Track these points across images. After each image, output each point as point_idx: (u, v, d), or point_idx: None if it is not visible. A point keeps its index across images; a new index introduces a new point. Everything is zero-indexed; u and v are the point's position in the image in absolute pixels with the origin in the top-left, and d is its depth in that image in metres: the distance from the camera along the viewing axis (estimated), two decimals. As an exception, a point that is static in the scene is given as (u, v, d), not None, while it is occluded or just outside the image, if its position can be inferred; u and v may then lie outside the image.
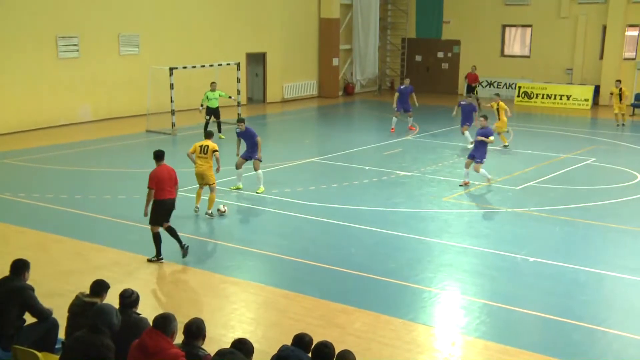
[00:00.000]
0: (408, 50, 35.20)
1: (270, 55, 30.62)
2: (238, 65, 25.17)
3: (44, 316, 7.32)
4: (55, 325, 7.37)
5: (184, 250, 11.52)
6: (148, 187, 11.34)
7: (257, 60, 30.57)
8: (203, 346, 6.22)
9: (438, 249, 12.28)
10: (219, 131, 22.13)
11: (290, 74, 31.40)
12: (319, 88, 32.94)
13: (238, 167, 15.74)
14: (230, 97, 22.59)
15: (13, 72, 22.00)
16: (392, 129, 23.33)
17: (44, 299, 7.54)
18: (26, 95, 22.31)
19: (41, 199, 15.12)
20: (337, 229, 13.33)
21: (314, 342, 6.13)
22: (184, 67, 23.41)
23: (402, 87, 23.74)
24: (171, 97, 22.64)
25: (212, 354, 5.99)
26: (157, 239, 11.42)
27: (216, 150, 14.02)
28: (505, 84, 32.65)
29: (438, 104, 30.78)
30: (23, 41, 22.21)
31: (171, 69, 22.66)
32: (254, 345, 6.15)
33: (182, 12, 26.87)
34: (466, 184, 16.39)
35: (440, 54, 34.49)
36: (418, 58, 35.16)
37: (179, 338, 6.18)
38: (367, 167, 18.29)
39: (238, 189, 15.75)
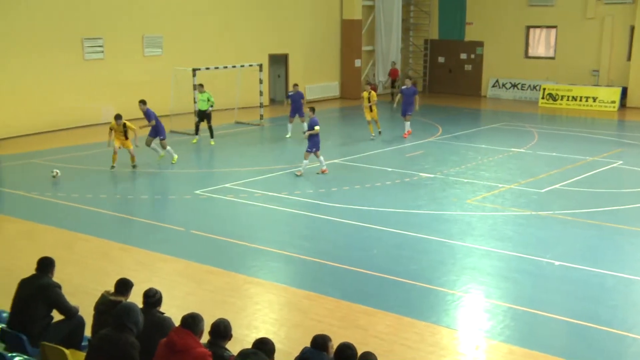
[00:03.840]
0: (431, 52, 35.07)
1: (292, 57, 30.68)
2: (260, 66, 25.25)
3: (71, 314, 7.39)
4: (81, 323, 7.43)
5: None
6: None
7: (279, 62, 30.64)
8: (227, 346, 6.24)
9: (461, 251, 12.20)
10: (211, 136, 21.43)
11: (312, 75, 31.43)
12: (340, 89, 32.94)
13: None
14: (211, 106, 21.40)
15: (40, 74, 22.25)
16: (406, 133, 22.69)
17: (70, 297, 7.61)
18: (52, 96, 22.53)
19: (67, 198, 15.28)
20: (359, 230, 13.31)
21: (337, 345, 6.11)
22: (207, 68, 23.52)
23: (404, 87, 23.07)
24: (194, 98, 22.75)
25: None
26: None
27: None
28: (529, 85, 32.39)
29: (461, 105, 30.65)
30: (50, 43, 22.46)
31: (194, 70, 22.79)
32: (277, 345, 6.16)
33: (205, 13, 27.01)
34: (323, 172, 17.45)
35: (463, 56, 34.30)
36: (441, 59, 35.00)
37: (204, 338, 6.20)
38: (389, 169, 18.25)
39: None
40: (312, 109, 17.93)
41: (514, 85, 32.81)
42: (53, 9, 22.47)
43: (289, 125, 22.77)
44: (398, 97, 23.30)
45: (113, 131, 17.58)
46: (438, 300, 10.17)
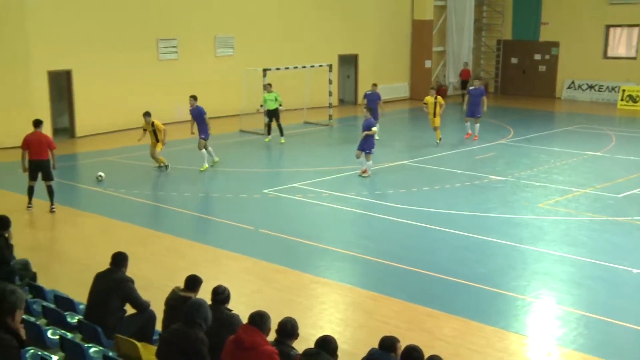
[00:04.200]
0: (503, 53, 34.40)
1: (362, 57, 30.65)
2: (330, 67, 25.33)
3: (143, 308, 7.57)
4: (153, 317, 7.61)
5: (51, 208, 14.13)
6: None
7: (348, 62, 30.66)
8: (293, 345, 6.29)
9: (532, 256, 11.93)
10: (281, 134, 21.71)
11: (381, 76, 31.22)
12: (410, 90, 32.69)
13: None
14: (280, 105, 21.64)
15: (116, 74, 22.93)
16: (469, 134, 22.32)
17: (142, 292, 7.80)
18: (129, 95, 23.17)
19: (140, 195, 15.72)
20: (426, 232, 13.18)
21: (403, 346, 6.07)
22: (277, 69, 23.75)
23: (472, 88, 22.60)
24: (264, 98, 23.03)
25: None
26: (29, 192, 14.23)
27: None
28: (607, 87, 31.35)
29: (534, 107, 29.96)
30: (126, 44, 23.13)
31: (264, 70, 23.06)
32: (342, 346, 6.17)
33: (276, 14, 27.28)
34: (364, 172, 17.03)
35: (537, 56, 33.46)
36: (514, 60, 34.27)
37: (270, 336, 6.27)
38: (458, 171, 18.00)
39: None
40: (369, 109, 17.68)
41: (591, 87, 31.82)
42: (130, 10, 23.12)
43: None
44: (466, 98, 22.77)
45: (146, 132, 17.61)
46: (507, 305, 9.97)
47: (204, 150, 17.81)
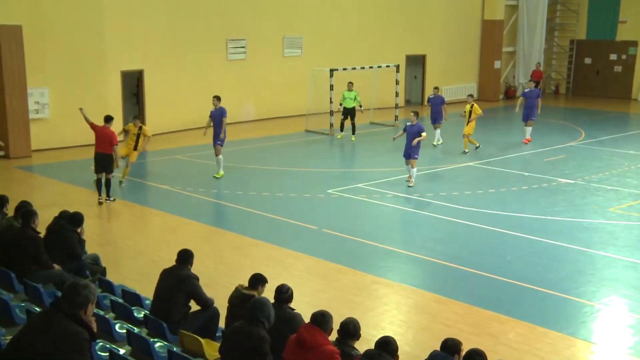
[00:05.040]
0: (577, 53, 33.46)
1: (429, 58, 30.36)
2: (397, 67, 25.20)
3: (207, 305, 7.69)
4: (216, 314, 7.72)
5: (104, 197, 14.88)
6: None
7: (416, 63, 30.42)
8: (355, 345, 6.29)
9: (602, 261, 11.58)
10: (353, 133, 22.14)
11: (449, 76, 30.92)
12: (479, 91, 32.18)
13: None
14: (360, 106, 21.95)
15: (186, 73, 23.41)
16: (528, 139, 21.34)
17: (207, 289, 7.93)
18: (197, 94, 23.59)
19: (205, 193, 16.00)
20: (492, 235, 12.96)
21: (466, 350, 6.00)
22: (344, 69, 23.78)
23: (527, 90, 21.62)
24: (330, 98, 23.12)
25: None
26: (98, 185, 15.05)
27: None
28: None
29: (608, 109, 29.03)
30: (197, 44, 23.59)
31: (331, 71, 23.12)
32: (404, 348, 6.14)
33: (343, 14, 27.31)
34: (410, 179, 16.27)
35: (613, 56, 32.37)
36: (587, 60, 33.27)
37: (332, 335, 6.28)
38: (526, 174, 17.63)
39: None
40: (416, 113, 16.38)
41: (671, 88, 30.60)
42: (200, 11, 23.55)
43: (436, 132, 21.16)
44: (520, 100, 21.75)
45: (128, 135, 16.81)
46: (575, 311, 9.71)
47: (220, 156, 17.07)
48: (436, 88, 21.73)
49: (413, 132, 16.02)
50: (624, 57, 32.07)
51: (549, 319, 9.39)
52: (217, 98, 16.98)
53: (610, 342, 8.82)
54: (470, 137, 20.00)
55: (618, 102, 30.73)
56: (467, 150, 19.96)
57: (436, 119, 21.17)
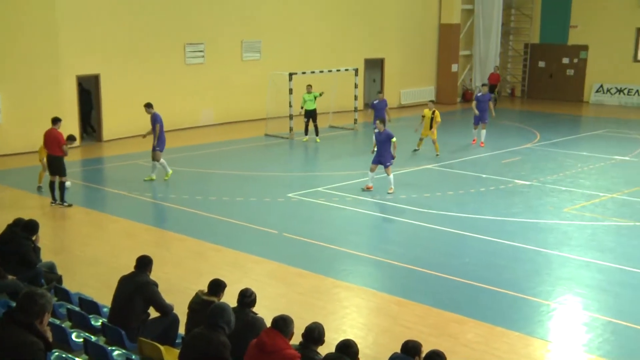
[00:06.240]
0: (531, 56, 34.11)
1: (388, 61, 30.61)
2: (356, 70, 25.34)
3: (167, 311, 7.62)
4: (176, 320, 7.66)
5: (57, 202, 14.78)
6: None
7: (374, 66, 30.63)
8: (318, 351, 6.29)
9: (557, 261, 11.81)
10: (316, 134, 22.54)
11: (407, 79, 31.24)
12: (437, 94, 32.55)
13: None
14: (321, 94, 22.56)
15: (144, 77, 23.15)
16: (475, 140, 21.95)
17: (166, 295, 7.86)
18: (156, 99, 23.26)
19: (165, 198, 15.86)
20: (451, 237, 13.12)
21: (426, 351, 6.06)
22: (303, 73, 23.81)
23: (480, 94, 21.94)
24: (290, 102, 23.12)
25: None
26: (51, 187, 14.93)
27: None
28: (637, 91, 30.93)
29: (561, 111, 29.65)
30: (154, 48, 23.37)
31: (290, 74, 23.14)
32: (365, 350, 6.17)
33: (302, 18, 27.36)
34: (369, 189, 16.12)
35: (565, 60, 33.10)
36: (541, 64, 33.96)
37: (296, 339, 6.27)
38: (484, 175, 17.89)
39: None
40: (382, 120, 16.25)
41: (620, 91, 31.42)
42: (157, 15, 23.33)
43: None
44: (473, 104, 22.02)
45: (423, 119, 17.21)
46: (532, 310, 9.88)
47: (163, 160, 17.10)
48: (380, 92, 22.15)
49: (382, 140, 15.98)
50: (575, 60, 32.83)
51: (506, 319, 9.53)
52: (148, 105, 17.04)
53: (565, 340, 8.99)
54: (435, 142, 20.11)
55: (571, 105, 31.41)
56: (438, 153, 20.14)
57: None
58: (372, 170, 16.16)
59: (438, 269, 11.36)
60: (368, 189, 16.14)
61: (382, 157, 15.93)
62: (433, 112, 20.04)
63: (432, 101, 20.78)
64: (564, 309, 9.92)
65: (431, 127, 20.02)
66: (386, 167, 15.91)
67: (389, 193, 15.91)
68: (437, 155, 20.08)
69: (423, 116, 20.48)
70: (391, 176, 15.98)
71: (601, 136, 23.88)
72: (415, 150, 20.50)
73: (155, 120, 16.93)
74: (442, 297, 10.33)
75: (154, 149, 17.09)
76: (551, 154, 20.73)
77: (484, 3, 32.67)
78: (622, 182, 17.11)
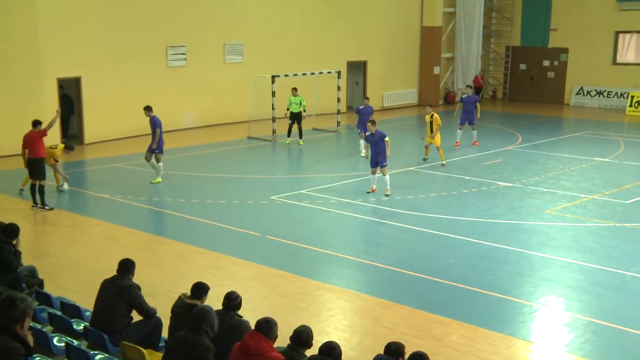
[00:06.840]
0: (512, 59, 34.37)
1: (370, 64, 30.69)
2: (339, 73, 25.37)
3: (150, 315, 7.58)
4: (159, 324, 7.62)
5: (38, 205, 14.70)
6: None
7: (357, 69, 30.70)
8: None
9: (539, 262, 11.89)
10: (300, 137, 22.64)
11: (390, 82, 31.35)
12: (419, 96, 32.69)
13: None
14: (304, 111, 22.34)
15: (126, 80, 23.02)
16: (458, 142, 22.07)
17: (149, 298, 7.82)
18: (138, 102, 23.21)
19: (147, 201, 15.77)
20: (435, 238, 13.16)
21: (409, 353, 6.06)
22: (286, 75, 23.81)
23: (465, 96, 22.06)
24: (272, 105, 23.11)
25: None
26: (32, 190, 14.87)
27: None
28: (617, 93, 31.25)
29: (542, 113, 29.88)
30: (136, 50, 23.24)
31: (273, 77, 23.13)
32: (349, 353, 6.17)
33: (285, 21, 27.36)
34: (373, 191, 16.19)
35: (546, 63, 33.40)
36: (522, 67, 34.22)
37: (284, 342, 6.25)
38: (466, 177, 17.98)
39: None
40: (373, 122, 16.09)
41: (600, 93, 31.72)
42: (139, 18, 23.21)
43: (362, 142, 20.31)
44: (458, 105, 22.15)
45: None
46: (514, 311, 9.94)
47: (161, 163, 17.11)
48: (367, 98, 21.64)
49: (376, 140, 15.92)
50: (556, 63, 33.13)
51: (490, 320, 9.58)
52: (147, 108, 16.97)
53: (547, 341, 9.05)
54: (439, 149, 19.44)
55: (552, 107, 31.67)
56: (444, 163, 19.26)
57: (365, 129, 20.98)
58: (373, 173, 16.24)
59: (422, 271, 11.39)
60: (373, 191, 16.24)
61: (378, 158, 15.95)
62: (432, 116, 19.57)
63: (429, 105, 20.36)
64: (546, 309, 9.99)
65: (432, 131, 19.47)
66: (382, 167, 15.94)
67: (386, 195, 15.92)
68: (443, 165, 19.12)
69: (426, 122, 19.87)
70: (387, 177, 16.05)
71: (582, 138, 24.10)
72: (424, 159, 19.92)
73: (155, 124, 16.85)
74: (425, 298, 10.36)
75: (152, 151, 16.95)
76: (533, 155, 20.88)
77: (465, 6, 32.88)
78: (602, 184, 17.27)
